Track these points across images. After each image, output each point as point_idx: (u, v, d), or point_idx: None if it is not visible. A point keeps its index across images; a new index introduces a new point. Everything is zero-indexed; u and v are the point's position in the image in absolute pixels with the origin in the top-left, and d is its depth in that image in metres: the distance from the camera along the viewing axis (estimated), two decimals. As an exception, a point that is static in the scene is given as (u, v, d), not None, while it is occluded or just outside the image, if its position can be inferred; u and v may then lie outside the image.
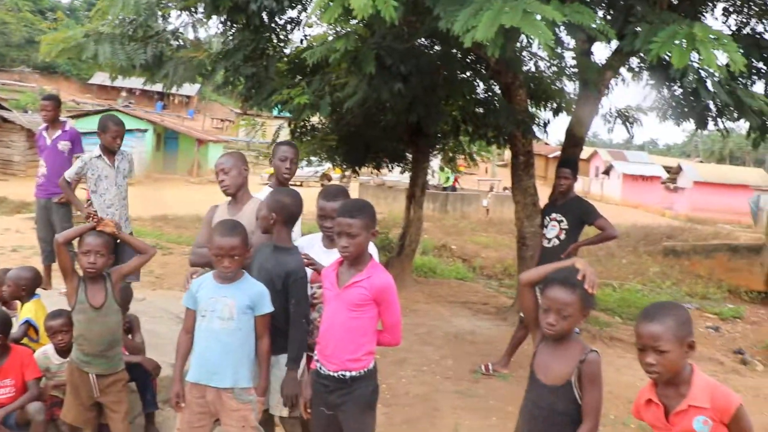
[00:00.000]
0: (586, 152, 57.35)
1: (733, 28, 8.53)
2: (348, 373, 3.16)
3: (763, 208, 31.93)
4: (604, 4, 6.29)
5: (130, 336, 4.72)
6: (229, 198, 4.14)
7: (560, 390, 2.78)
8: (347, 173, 28.70)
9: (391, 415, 5.41)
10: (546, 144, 65.53)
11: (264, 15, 6.34)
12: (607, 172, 48.82)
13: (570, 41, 8.94)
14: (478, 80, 8.32)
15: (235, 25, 6.61)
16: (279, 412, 3.60)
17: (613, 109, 9.31)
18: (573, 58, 8.47)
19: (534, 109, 9.53)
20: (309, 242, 3.84)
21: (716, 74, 7.14)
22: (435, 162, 13.99)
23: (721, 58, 5.19)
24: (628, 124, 9.26)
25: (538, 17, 4.59)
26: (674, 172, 47.37)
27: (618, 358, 8.07)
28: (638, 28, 5.46)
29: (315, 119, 9.90)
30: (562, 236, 5.99)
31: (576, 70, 9.00)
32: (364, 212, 3.13)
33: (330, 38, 5.76)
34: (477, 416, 5.48)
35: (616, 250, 18.28)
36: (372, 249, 4.14)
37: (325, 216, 3.69)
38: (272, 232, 3.57)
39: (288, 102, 6.57)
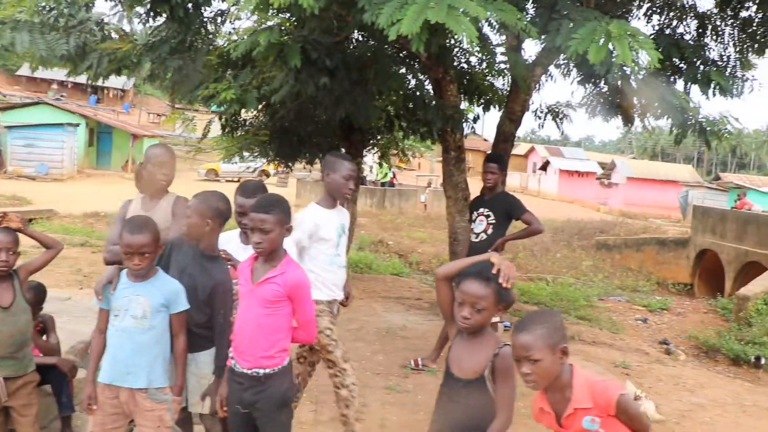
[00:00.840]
0: (523, 148, 58.38)
1: (657, 28, 8.79)
2: (262, 371, 3.10)
3: (691, 203, 32.96)
4: (530, 2, 6.32)
5: (44, 337, 4.55)
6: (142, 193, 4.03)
7: (474, 384, 2.78)
8: (284, 169, 28.56)
9: (320, 412, 5.38)
10: (484, 140, 66.35)
11: (189, 6, 6.19)
12: (544, 167, 49.71)
13: (501, 37, 9.11)
14: (410, 75, 8.33)
15: (158, 16, 6.43)
16: (198, 409, 3.53)
17: (543, 106, 9.42)
18: (503, 54, 8.53)
19: (467, 105, 9.60)
20: (226, 238, 3.78)
21: (640, 72, 7.35)
22: (369, 158, 13.93)
23: (643, 56, 5.32)
24: (558, 120, 9.39)
25: (463, 12, 4.60)
26: (608, 168, 48.57)
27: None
28: (561, 26, 5.52)
29: (250, 113, 9.78)
30: (490, 231, 6.04)
31: (506, 66, 9.14)
32: (278, 207, 3.08)
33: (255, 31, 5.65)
34: (405, 411, 5.50)
35: (551, 244, 18.62)
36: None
37: (243, 212, 3.63)
38: (202, 239, 3.48)
39: (214, 96, 6.44)
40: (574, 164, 48.08)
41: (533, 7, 6.31)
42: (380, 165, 24.55)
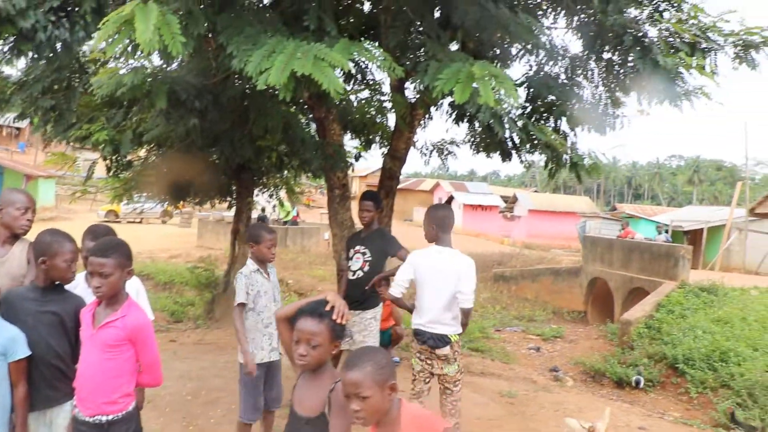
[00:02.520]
0: (429, 184, 59.36)
1: (534, 68, 9.20)
2: (104, 417, 3.06)
3: (589, 233, 34.22)
4: (400, 42, 6.52)
5: None
6: None
7: (315, 421, 2.83)
8: (189, 209, 27.83)
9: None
10: (392, 176, 67.20)
11: (57, 46, 6.07)
12: (449, 202, 50.55)
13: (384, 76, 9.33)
14: (292, 115, 8.41)
15: (22, 56, 6.27)
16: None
17: (428, 143, 9.66)
18: (380, 93, 8.74)
19: (356, 142, 9.76)
20: (74, 282, 3.70)
21: (510, 110, 7.68)
22: (263, 197, 13.91)
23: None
24: (442, 157, 9.65)
25: (328, 63, 4.71)
26: (511, 201, 49.93)
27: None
28: (429, 66, 5.72)
29: (140, 153, 9.62)
30: (366, 268, 6.12)
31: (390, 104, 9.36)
32: (117, 251, 3.07)
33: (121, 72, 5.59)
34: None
35: (450, 277, 18.87)
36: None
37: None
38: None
39: (87, 137, 6.33)
40: (478, 198, 49.18)
41: (402, 49, 6.51)
42: (281, 204, 24.59)
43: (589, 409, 8.18)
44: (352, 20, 7.95)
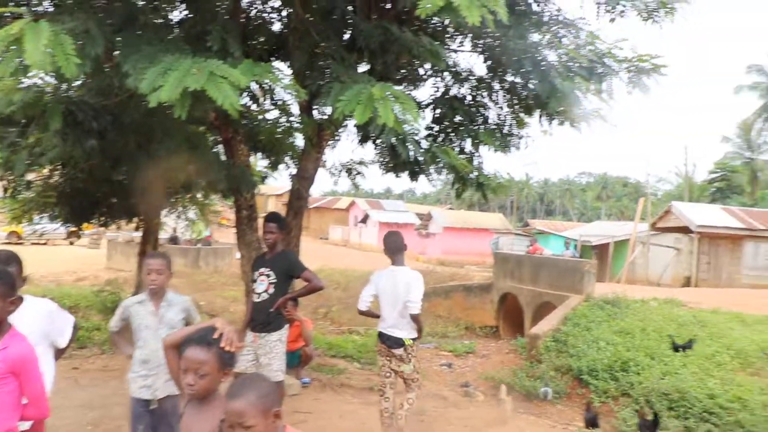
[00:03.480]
0: (345, 202, 59.49)
1: (442, 90, 9.41)
2: (-14, 453, 2.94)
3: (502, 249, 34.98)
4: (305, 64, 6.57)
5: None
6: None
7: None
8: (97, 230, 26.91)
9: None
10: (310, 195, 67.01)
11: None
12: (364, 220, 50.80)
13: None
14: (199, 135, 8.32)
15: None
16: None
17: (337, 163, 9.72)
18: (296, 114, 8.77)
19: (265, 162, 9.73)
20: None
21: (416, 131, 7.82)
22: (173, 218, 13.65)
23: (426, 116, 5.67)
24: (351, 177, 9.72)
25: (226, 80, 4.69)
26: (426, 218, 50.50)
27: (345, 404, 8.33)
28: (332, 88, 5.78)
29: (45, 171, 9.30)
30: (271, 290, 6.10)
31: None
32: None
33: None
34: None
35: (365, 296, 18.91)
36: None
37: None
38: None
39: (-22, 158, 6.09)
40: (393, 216, 49.59)
41: (309, 71, 6.55)
42: (193, 223, 24.13)
43: (496, 423, 8.36)
44: (262, 40, 7.95)
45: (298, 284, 6.58)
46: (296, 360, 9.13)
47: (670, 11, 7.90)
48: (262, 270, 6.20)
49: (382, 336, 6.39)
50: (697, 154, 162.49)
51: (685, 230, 29.10)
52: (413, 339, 6.23)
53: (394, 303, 6.22)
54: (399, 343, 6.22)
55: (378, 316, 6.48)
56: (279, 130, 9.12)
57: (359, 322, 16.40)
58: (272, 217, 6.45)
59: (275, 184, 47.94)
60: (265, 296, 6.09)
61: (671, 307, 14.36)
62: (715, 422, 8.07)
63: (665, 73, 8.94)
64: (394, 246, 6.52)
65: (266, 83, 5.15)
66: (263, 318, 6.07)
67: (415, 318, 6.15)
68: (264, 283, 6.13)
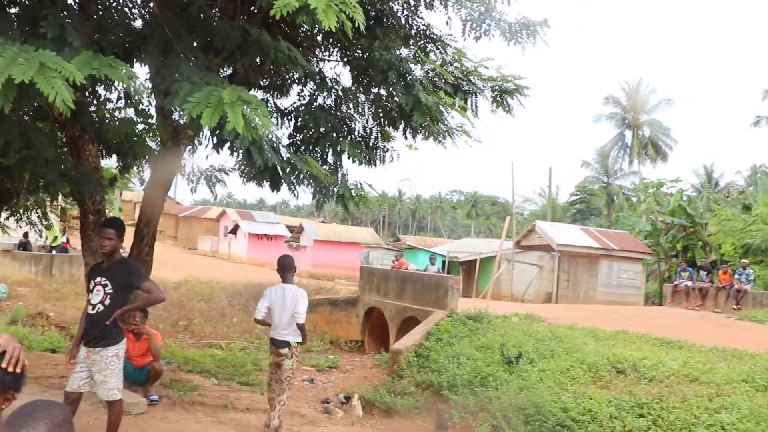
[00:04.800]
0: (215, 211, 58.07)
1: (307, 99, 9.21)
2: None
3: (372, 263, 35.13)
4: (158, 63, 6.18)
5: None
6: None
7: None
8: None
9: None
10: (177, 203, 64.98)
11: None
12: (234, 231, 49.72)
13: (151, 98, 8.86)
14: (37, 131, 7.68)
15: None
16: None
17: (196, 169, 9.29)
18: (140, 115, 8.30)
19: (119, 164, 9.16)
20: None
21: (274, 138, 7.56)
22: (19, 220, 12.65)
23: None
24: (210, 184, 9.31)
25: (58, 73, 4.29)
26: (297, 231, 50.09)
27: (194, 423, 7.91)
28: (182, 88, 5.43)
29: None
30: (107, 301, 5.60)
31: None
32: None
33: None
34: None
35: (228, 308, 18.40)
36: None
37: None
38: None
39: None
40: (263, 228, 48.80)
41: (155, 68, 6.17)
42: (48, 228, 22.63)
43: (352, 440, 8.19)
44: (120, 35, 7.43)
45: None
46: (144, 376, 8.59)
47: (532, 33, 8.05)
48: (98, 279, 5.69)
49: (273, 340, 7.82)
50: (560, 176, 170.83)
51: (547, 248, 30.27)
52: (297, 342, 7.80)
53: (282, 313, 7.67)
54: (286, 344, 7.70)
55: (269, 325, 7.85)
56: (133, 131, 8.59)
57: (220, 336, 15.88)
58: (110, 222, 5.99)
59: (139, 190, 46.13)
60: (100, 308, 5.60)
61: (531, 322, 14.72)
62: (567, 435, 8.25)
63: (528, 93, 9.16)
64: (285, 266, 7.98)
65: (105, 77, 4.69)
66: (98, 331, 5.58)
67: (300, 327, 7.71)
68: (100, 294, 5.63)
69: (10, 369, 2.34)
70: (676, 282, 23.40)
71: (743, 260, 22.94)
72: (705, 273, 22.60)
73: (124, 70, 4.86)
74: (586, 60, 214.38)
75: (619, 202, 58.17)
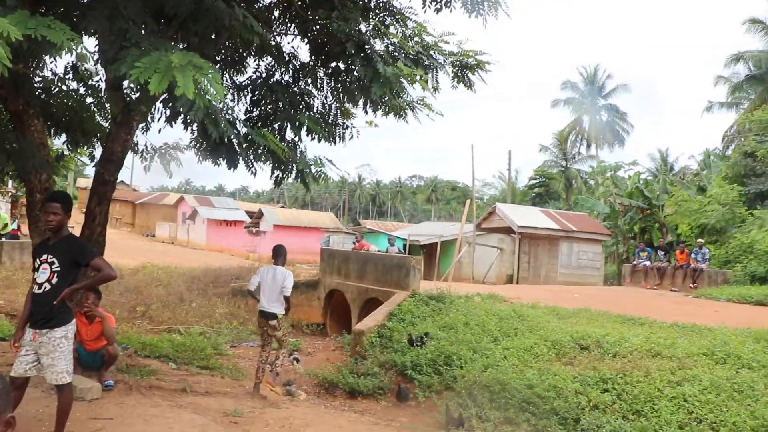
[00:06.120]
0: (173, 198, 57.24)
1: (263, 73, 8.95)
2: None
3: (332, 247, 34.89)
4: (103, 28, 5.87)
5: None
6: None
7: None
8: None
9: None
10: (134, 190, 63.90)
11: None
12: (192, 217, 49.07)
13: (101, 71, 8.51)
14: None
15: None
16: None
17: (150, 147, 8.98)
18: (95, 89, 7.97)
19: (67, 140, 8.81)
20: None
21: (229, 110, 7.31)
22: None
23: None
24: (164, 164, 9.02)
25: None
26: (257, 216, 49.60)
27: (151, 407, 7.64)
28: (129, 54, 5.17)
29: None
30: (54, 280, 5.31)
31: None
32: None
33: None
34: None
35: (186, 293, 18.04)
36: None
37: None
38: None
39: None
40: (222, 213, 48.23)
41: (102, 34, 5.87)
42: (-3, 215, 21.94)
43: (316, 422, 8.02)
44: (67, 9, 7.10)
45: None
46: (99, 361, 8.30)
47: (494, 5, 7.90)
48: (44, 257, 5.39)
49: (261, 312, 9.48)
50: (520, 161, 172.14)
51: (508, 231, 30.39)
52: (283, 314, 9.45)
53: (272, 289, 9.32)
54: (274, 316, 9.37)
55: (258, 300, 9.50)
56: (81, 106, 8.25)
57: (179, 321, 15.54)
58: (56, 196, 5.69)
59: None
60: (47, 287, 5.31)
61: (493, 302, 14.72)
62: (533, 411, 8.22)
63: (489, 69, 9.03)
64: (277, 253, 9.73)
65: (43, 38, 4.41)
66: (45, 312, 5.30)
67: (286, 299, 9.38)
68: (46, 272, 5.34)
69: None
70: (635, 262, 23.69)
71: (699, 240, 23.31)
72: (663, 253, 22.93)
73: (64, 32, 4.58)
74: (544, 44, 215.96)
75: (577, 186, 58.81)
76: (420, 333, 11.42)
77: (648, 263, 22.81)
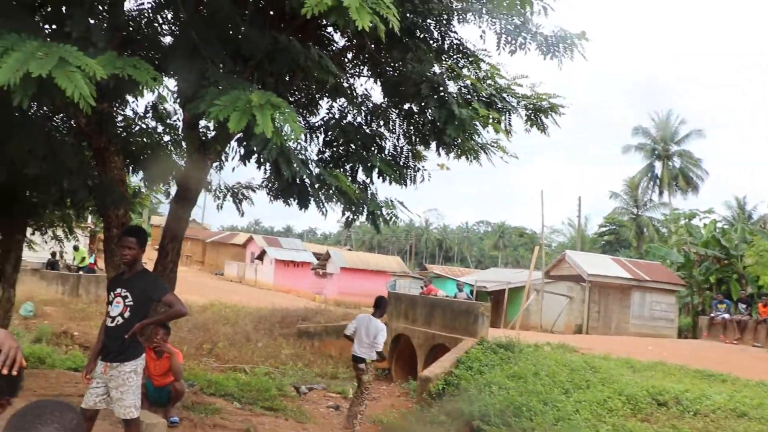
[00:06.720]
0: (242, 238, 58.17)
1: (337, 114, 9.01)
2: None
3: (399, 291, 34.72)
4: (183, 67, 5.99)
5: None
6: None
7: None
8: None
9: None
10: (205, 228, 65.29)
11: None
12: (261, 257, 49.68)
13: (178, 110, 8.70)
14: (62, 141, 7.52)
15: None
16: None
17: (223, 186, 9.10)
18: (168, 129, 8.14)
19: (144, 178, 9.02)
20: None
21: (303, 151, 7.34)
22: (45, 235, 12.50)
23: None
24: (237, 202, 9.10)
25: (78, 69, 4.10)
26: (324, 258, 49.88)
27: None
28: (208, 92, 5.23)
29: None
30: (127, 314, 5.35)
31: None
32: None
33: None
34: None
35: (253, 333, 18.13)
36: None
37: None
38: None
39: None
40: (290, 254, 48.71)
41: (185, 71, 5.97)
42: (76, 249, 22.67)
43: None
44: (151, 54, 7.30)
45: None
46: (165, 397, 8.32)
47: (569, 47, 7.78)
48: (118, 291, 5.44)
49: (353, 356, 10.11)
50: (589, 207, 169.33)
51: (577, 279, 29.68)
52: (372, 360, 10.06)
53: (364, 338, 9.93)
54: (362, 360, 9.98)
55: (353, 341, 10.11)
56: (159, 143, 8.44)
57: (245, 360, 15.59)
58: (131, 230, 5.76)
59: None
60: (120, 320, 5.35)
61: (564, 352, 14.31)
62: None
63: (563, 112, 8.86)
64: (376, 305, 10.45)
65: (128, 77, 4.49)
66: (117, 345, 5.33)
67: (379, 353, 10.04)
68: (119, 306, 5.38)
69: (5, 371, 2.05)
70: (712, 314, 22.67)
71: (784, 292, 22.24)
72: (744, 306, 21.92)
73: (148, 72, 4.66)
74: (615, 87, 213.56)
75: (649, 233, 57.21)
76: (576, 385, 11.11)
77: (727, 316, 21.80)
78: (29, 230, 10.56)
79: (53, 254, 22.06)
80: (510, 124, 8.81)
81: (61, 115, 7.51)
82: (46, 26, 5.55)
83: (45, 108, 7.18)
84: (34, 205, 9.21)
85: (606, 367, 12.32)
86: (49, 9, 5.35)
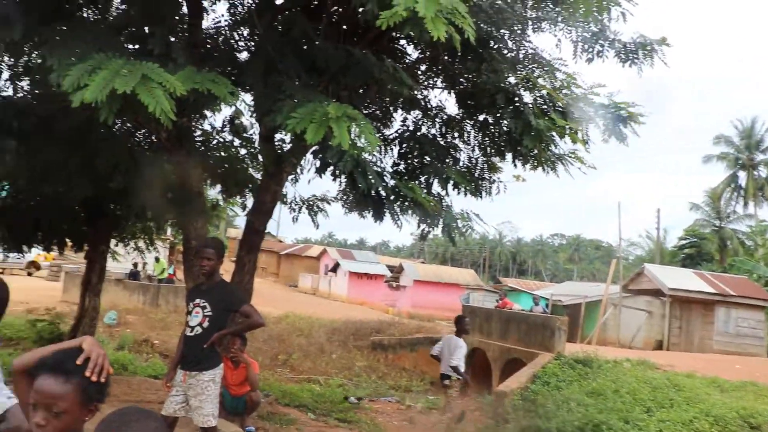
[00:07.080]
0: (316, 250, 58.79)
1: (411, 126, 9.00)
2: None
3: (472, 304, 34.41)
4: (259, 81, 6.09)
5: None
6: None
7: None
8: (57, 261, 25.93)
9: None
10: (280, 241, 66.29)
11: None
12: (334, 269, 50.07)
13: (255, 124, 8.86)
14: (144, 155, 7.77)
15: None
16: None
17: (298, 198, 9.20)
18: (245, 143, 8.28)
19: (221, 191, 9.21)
20: None
21: (377, 162, 7.34)
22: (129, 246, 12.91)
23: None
24: (312, 214, 9.19)
25: (160, 85, 4.21)
26: (397, 271, 49.92)
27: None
28: (284, 105, 5.30)
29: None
30: (206, 324, 5.44)
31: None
32: None
33: None
34: None
35: (327, 344, 18.25)
36: None
37: None
38: None
39: None
40: (363, 267, 48.92)
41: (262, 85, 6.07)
42: (157, 260, 23.38)
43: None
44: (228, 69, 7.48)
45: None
46: (242, 406, 8.43)
47: (649, 53, 7.57)
48: (197, 301, 5.54)
49: (441, 375, 10.61)
50: (668, 219, 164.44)
51: (656, 293, 28.77)
52: (457, 377, 10.28)
53: (447, 356, 10.26)
54: (447, 377, 10.37)
55: (440, 361, 10.53)
56: (236, 157, 8.60)
57: (319, 372, 15.70)
58: (210, 242, 5.87)
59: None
60: (198, 330, 5.44)
61: (644, 369, 13.84)
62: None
63: (643, 121, 8.61)
64: (457, 323, 10.93)
65: (207, 91, 4.58)
66: (196, 354, 5.43)
67: (454, 368, 10.13)
68: (198, 316, 5.48)
69: (94, 378, 2.08)
70: (804, 332, 21.60)
71: None
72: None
73: (226, 86, 4.75)
74: (695, 96, 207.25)
75: (733, 246, 54.94)
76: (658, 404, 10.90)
77: (822, 334, 20.74)
78: (113, 241, 10.93)
79: (135, 265, 22.79)
80: (587, 134, 8.62)
81: (143, 130, 7.74)
82: (130, 45, 5.73)
83: (128, 124, 7.41)
84: (117, 218, 9.53)
85: (691, 385, 11.83)
86: (133, 29, 5.50)
